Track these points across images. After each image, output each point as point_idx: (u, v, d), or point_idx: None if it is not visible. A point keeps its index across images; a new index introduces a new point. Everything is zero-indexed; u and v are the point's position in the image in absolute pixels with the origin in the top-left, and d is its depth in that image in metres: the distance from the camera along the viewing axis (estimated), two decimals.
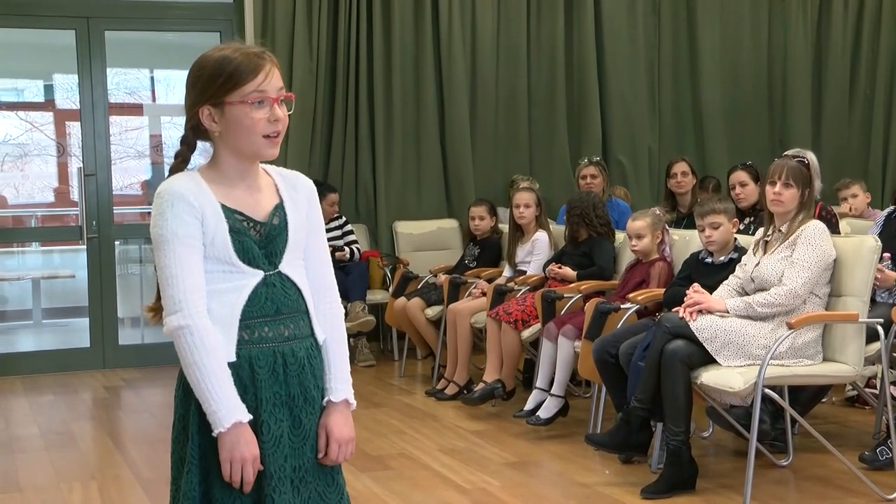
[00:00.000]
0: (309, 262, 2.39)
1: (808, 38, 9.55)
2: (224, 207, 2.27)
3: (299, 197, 2.39)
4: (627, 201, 7.95)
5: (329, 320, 2.41)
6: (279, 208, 2.35)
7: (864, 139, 9.74)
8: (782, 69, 9.51)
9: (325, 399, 2.37)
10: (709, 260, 5.22)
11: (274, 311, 2.30)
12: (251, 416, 2.23)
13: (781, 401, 4.69)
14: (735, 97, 9.40)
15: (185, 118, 2.33)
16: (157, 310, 2.30)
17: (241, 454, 2.20)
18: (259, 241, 2.30)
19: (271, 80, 2.27)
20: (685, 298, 4.80)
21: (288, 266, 2.33)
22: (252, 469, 2.21)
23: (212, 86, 2.25)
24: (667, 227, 5.81)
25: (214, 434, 2.20)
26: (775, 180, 4.75)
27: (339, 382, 2.39)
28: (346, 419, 2.38)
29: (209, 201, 2.26)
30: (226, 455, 2.21)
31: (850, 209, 7.30)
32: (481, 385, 6.32)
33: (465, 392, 6.60)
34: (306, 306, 2.36)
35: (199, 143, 2.36)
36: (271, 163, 2.40)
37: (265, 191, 2.36)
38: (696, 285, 4.91)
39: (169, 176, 2.31)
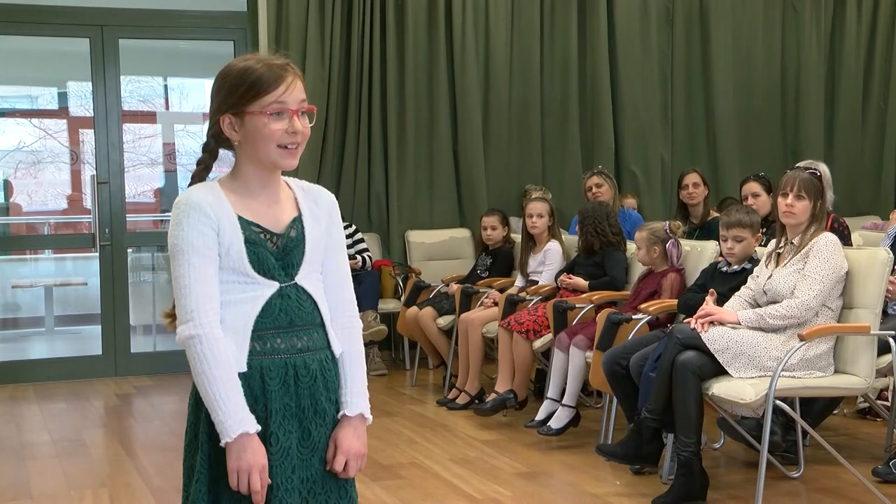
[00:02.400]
0: (328, 275, 2.40)
1: (822, 49, 9.55)
2: (241, 219, 2.28)
3: (320, 211, 2.40)
4: (634, 208, 7.94)
5: (347, 334, 2.41)
6: (297, 221, 2.36)
7: (877, 151, 9.73)
8: (795, 80, 9.52)
9: (340, 413, 2.37)
10: (724, 269, 5.22)
11: (288, 322, 2.30)
12: (259, 428, 2.23)
13: (792, 412, 4.69)
14: (748, 108, 9.40)
15: (207, 125, 2.35)
16: (174, 315, 2.31)
17: (248, 463, 2.20)
18: (276, 252, 2.31)
19: (292, 91, 2.29)
20: (698, 310, 4.80)
21: (305, 278, 2.34)
22: (259, 478, 2.21)
23: (233, 95, 2.28)
24: (677, 241, 5.77)
25: (222, 444, 2.21)
26: (787, 192, 4.74)
27: (355, 397, 2.39)
28: (359, 434, 2.38)
29: (226, 212, 2.27)
30: (233, 465, 2.21)
31: None
32: (493, 395, 6.32)
33: (476, 402, 6.60)
34: (322, 319, 2.36)
35: (223, 152, 2.38)
36: (286, 173, 2.41)
37: (285, 203, 2.37)
38: (711, 291, 4.92)
39: (191, 183, 2.34)
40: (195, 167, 2.36)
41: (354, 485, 2.42)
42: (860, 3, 9.62)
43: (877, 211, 9.33)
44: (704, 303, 4.86)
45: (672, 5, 9.20)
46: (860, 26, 9.64)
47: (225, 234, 2.25)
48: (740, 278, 5.05)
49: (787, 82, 9.53)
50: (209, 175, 2.37)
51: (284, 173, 2.39)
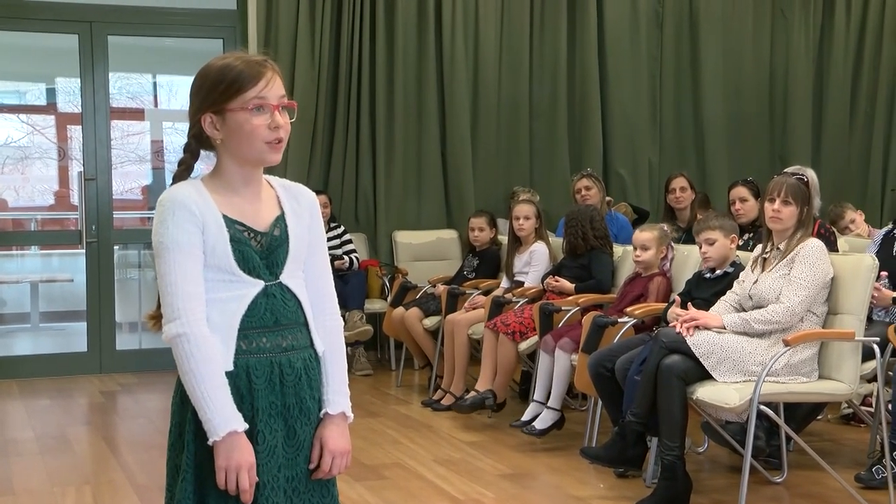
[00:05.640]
0: (309, 273, 2.40)
1: (810, 54, 9.58)
2: (225, 217, 2.28)
3: (301, 209, 2.40)
4: (629, 216, 7.95)
5: (328, 333, 2.41)
6: (280, 219, 2.36)
7: (864, 156, 9.76)
8: (784, 85, 9.55)
9: (322, 411, 2.38)
10: (707, 275, 5.24)
11: (273, 321, 2.30)
12: (247, 426, 2.23)
13: (777, 417, 4.70)
14: (736, 112, 9.43)
15: (188, 126, 2.35)
16: (157, 317, 2.30)
17: (237, 462, 2.20)
18: (260, 251, 2.31)
19: (272, 87, 2.29)
20: (672, 313, 4.84)
21: (288, 277, 2.34)
22: (247, 476, 2.21)
23: (214, 93, 2.27)
24: (672, 244, 5.81)
25: (210, 443, 2.21)
26: (774, 197, 4.76)
27: (337, 395, 2.39)
28: (342, 432, 2.38)
29: (211, 210, 2.26)
30: (221, 463, 2.21)
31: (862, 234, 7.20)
32: (473, 393, 6.33)
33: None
34: (305, 318, 2.36)
35: (204, 152, 2.38)
36: (274, 172, 2.41)
37: (267, 202, 2.37)
38: (675, 298, 4.96)
39: (172, 183, 2.33)
40: (177, 167, 2.36)
41: (336, 483, 2.43)
42: (849, 9, 9.66)
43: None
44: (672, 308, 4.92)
45: (662, 9, 9.22)
46: (848, 32, 9.67)
47: (210, 232, 2.25)
48: (723, 283, 5.07)
49: (776, 87, 9.56)
50: (190, 175, 2.37)
51: (267, 170, 2.39)
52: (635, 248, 5.75)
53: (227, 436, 2.19)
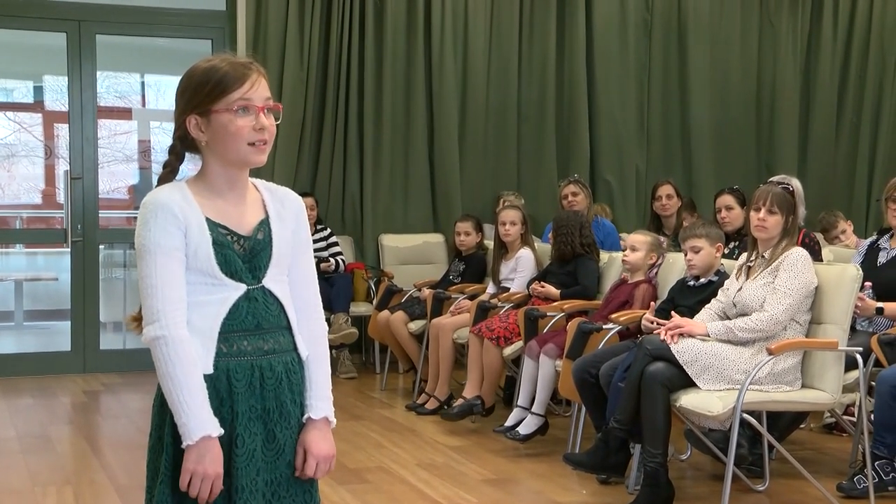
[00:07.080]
0: (295, 278, 2.39)
1: (797, 64, 9.61)
2: (208, 220, 2.27)
3: (287, 213, 2.39)
4: (607, 217, 7.96)
5: (312, 337, 2.41)
6: (264, 223, 2.35)
7: (849, 167, 9.79)
8: (771, 94, 9.58)
9: (305, 416, 2.37)
10: (691, 282, 5.25)
11: (255, 325, 2.30)
12: (222, 431, 2.23)
13: (759, 426, 4.70)
14: (723, 121, 9.45)
15: (173, 128, 2.35)
16: (139, 319, 2.30)
17: (205, 469, 2.20)
18: (242, 255, 2.31)
19: (257, 89, 2.29)
20: (646, 320, 4.87)
21: (272, 281, 2.33)
22: (210, 486, 2.21)
23: (199, 94, 2.27)
24: (665, 254, 5.81)
25: (183, 446, 2.20)
26: (760, 206, 4.78)
27: (320, 400, 2.39)
28: (326, 436, 2.38)
29: (194, 213, 2.26)
30: (189, 466, 2.20)
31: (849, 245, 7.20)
32: (460, 400, 6.33)
33: (445, 407, 6.60)
34: (288, 322, 2.36)
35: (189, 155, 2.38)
36: (261, 173, 2.41)
37: (252, 205, 2.37)
38: (674, 313, 4.97)
39: (157, 186, 2.33)
40: (162, 170, 2.36)
41: (318, 487, 2.42)
42: (836, 18, 9.69)
43: None
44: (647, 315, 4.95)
45: (650, 17, 9.24)
46: (835, 42, 9.70)
47: (192, 235, 2.25)
48: (707, 291, 5.08)
49: (763, 96, 9.59)
50: (175, 178, 2.36)
51: (252, 172, 2.38)
52: (625, 249, 5.78)
53: (200, 440, 2.19)
